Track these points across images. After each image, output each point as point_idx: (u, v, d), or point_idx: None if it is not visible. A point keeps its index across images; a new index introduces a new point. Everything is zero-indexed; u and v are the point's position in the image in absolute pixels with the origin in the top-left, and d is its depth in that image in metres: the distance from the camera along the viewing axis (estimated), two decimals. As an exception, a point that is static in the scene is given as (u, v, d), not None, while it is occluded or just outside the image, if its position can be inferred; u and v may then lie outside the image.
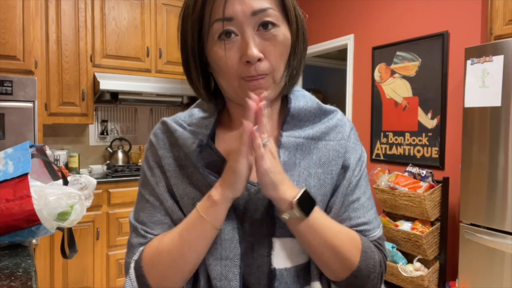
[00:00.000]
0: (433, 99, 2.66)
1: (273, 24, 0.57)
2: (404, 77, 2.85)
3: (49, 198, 0.96)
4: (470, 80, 2.09)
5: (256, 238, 0.60)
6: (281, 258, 0.59)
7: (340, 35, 3.42)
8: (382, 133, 3.04)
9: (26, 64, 2.45)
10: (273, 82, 0.59)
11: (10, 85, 2.36)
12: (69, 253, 1.12)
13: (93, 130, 3.35)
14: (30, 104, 2.44)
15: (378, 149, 3.08)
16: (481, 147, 2.05)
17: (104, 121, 3.39)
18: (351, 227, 0.62)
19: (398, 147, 2.91)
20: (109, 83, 2.94)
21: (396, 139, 2.93)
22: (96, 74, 2.97)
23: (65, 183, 1.08)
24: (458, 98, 2.49)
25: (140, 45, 3.20)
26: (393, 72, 2.93)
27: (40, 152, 1.15)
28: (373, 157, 3.12)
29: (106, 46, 3.04)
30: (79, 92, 2.96)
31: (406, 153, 2.86)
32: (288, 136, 0.63)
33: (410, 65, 2.81)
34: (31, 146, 1.14)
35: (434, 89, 2.65)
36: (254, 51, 0.54)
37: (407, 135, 2.84)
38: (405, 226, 2.57)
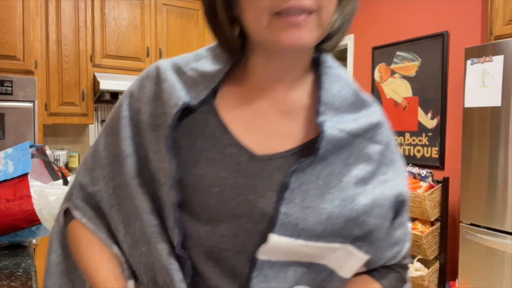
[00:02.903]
0: (433, 99, 2.66)
1: None
2: (404, 77, 2.85)
3: (49, 198, 0.96)
4: (470, 80, 2.09)
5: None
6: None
7: (340, 35, 3.42)
8: (382, 133, 3.04)
9: (26, 64, 2.45)
10: (319, 25, 0.43)
11: (10, 85, 2.36)
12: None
13: (93, 130, 3.35)
14: (30, 104, 2.44)
15: (378, 149, 3.08)
16: (481, 147, 2.05)
17: (104, 121, 3.39)
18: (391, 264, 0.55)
19: (399, 147, 2.91)
20: (109, 83, 2.93)
21: (396, 139, 2.93)
22: (96, 74, 2.97)
23: (65, 183, 1.08)
24: (458, 98, 2.49)
25: (140, 45, 3.20)
26: (393, 72, 2.93)
27: (40, 152, 1.15)
28: (373, 157, 3.11)
29: (106, 46, 3.04)
30: (79, 92, 2.96)
31: (406, 153, 2.86)
32: (333, 127, 0.46)
33: (410, 65, 2.81)
34: (31, 146, 1.14)
35: (434, 89, 2.65)
36: None
37: (407, 135, 2.84)
38: (405, 226, 2.56)
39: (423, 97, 2.73)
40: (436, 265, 2.47)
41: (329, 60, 0.52)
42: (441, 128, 2.61)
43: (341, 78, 0.52)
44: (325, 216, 0.44)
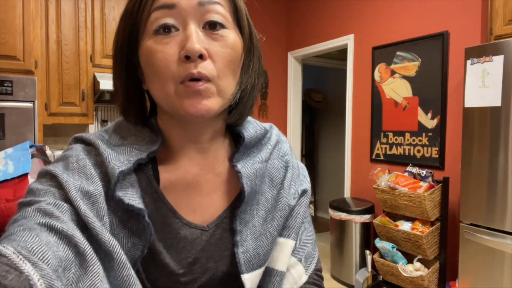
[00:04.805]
0: (433, 99, 2.66)
1: (222, 26, 0.48)
2: (404, 77, 2.85)
3: (49, 198, 0.96)
4: (470, 80, 2.09)
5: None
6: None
7: (340, 35, 3.42)
8: (382, 133, 3.04)
9: (26, 64, 2.45)
10: (218, 94, 0.48)
11: (10, 85, 2.36)
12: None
13: (93, 130, 3.35)
14: (30, 104, 2.44)
15: (378, 149, 3.08)
16: (481, 147, 2.05)
17: (104, 121, 3.39)
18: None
19: (398, 147, 2.91)
20: (109, 83, 2.93)
21: (396, 139, 2.93)
22: (96, 74, 2.97)
23: (65, 183, 1.08)
24: (458, 98, 2.49)
25: (140, 45, 3.19)
26: (393, 72, 2.93)
27: (40, 152, 1.15)
28: (373, 157, 3.11)
29: (106, 46, 3.03)
30: (79, 92, 2.96)
31: (406, 153, 2.86)
32: (244, 166, 0.54)
33: (410, 65, 2.81)
34: (31, 146, 1.14)
35: (434, 89, 2.65)
36: (196, 45, 0.44)
37: (407, 135, 2.84)
38: (405, 226, 2.57)
39: (423, 97, 2.73)
40: (436, 265, 2.47)
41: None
42: (441, 128, 2.61)
43: (249, 121, 0.60)
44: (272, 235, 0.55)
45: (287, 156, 0.62)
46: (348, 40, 3.32)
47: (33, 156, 1.10)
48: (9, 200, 0.94)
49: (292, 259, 0.57)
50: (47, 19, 2.79)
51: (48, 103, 2.84)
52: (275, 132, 0.63)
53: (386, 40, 2.99)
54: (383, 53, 3.01)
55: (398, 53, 2.89)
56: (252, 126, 0.59)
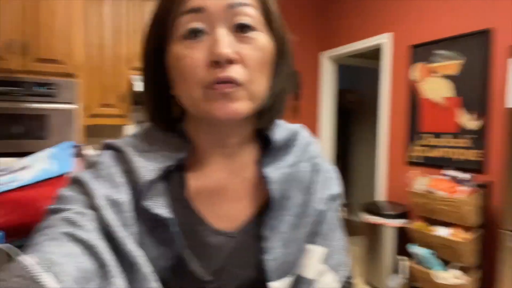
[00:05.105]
0: (475, 99, 2.54)
1: (253, 29, 0.46)
2: (444, 76, 2.74)
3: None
4: (515, 79, 1.97)
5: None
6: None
7: (376, 34, 3.34)
8: (419, 135, 2.94)
9: (68, 68, 2.57)
10: (248, 98, 0.46)
11: (54, 87, 2.49)
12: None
13: (131, 131, 3.46)
14: (72, 106, 2.56)
15: (414, 152, 2.97)
16: (528, 150, 1.93)
17: (140, 122, 3.49)
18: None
19: (436, 149, 2.80)
20: (145, 85, 3.02)
21: (434, 141, 2.82)
22: (134, 77, 3.07)
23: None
24: (502, 98, 2.36)
25: (175, 48, 3.26)
26: (432, 71, 2.83)
27: (81, 152, 1.20)
28: (410, 159, 3.01)
29: (143, 49, 3.12)
30: (117, 95, 3.07)
31: (445, 156, 2.74)
32: (272, 170, 0.53)
33: (450, 63, 2.70)
34: (73, 146, 1.20)
35: (477, 88, 2.53)
36: (225, 49, 0.43)
37: (447, 136, 2.73)
38: (442, 231, 2.47)
39: (464, 97, 2.61)
40: (476, 273, 2.35)
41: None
42: (484, 129, 2.48)
43: (279, 124, 0.58)
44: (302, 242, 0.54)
45: (316, 159, 0.59)
46: (385, 39, 3.24)
47: (74, 155, 1.15)
48: (52, 198, 0.99)
49: (322, 267, 0.55)
50: (89, 25, 2.92)
51: (88, 105, 2.96)
52: (304, 134, 0.61)
53: (425, 38, 2.88)
54: (421, 52, 2.91)
55: (438, 51, 2.78)
56: (280, 129, 0.57)
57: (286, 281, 0.52)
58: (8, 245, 0.78)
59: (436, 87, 2.80)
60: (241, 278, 0.51)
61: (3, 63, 2.36)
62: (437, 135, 2.80)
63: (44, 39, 2.47)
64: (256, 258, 0.52)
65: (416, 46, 2.96)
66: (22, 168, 1.11)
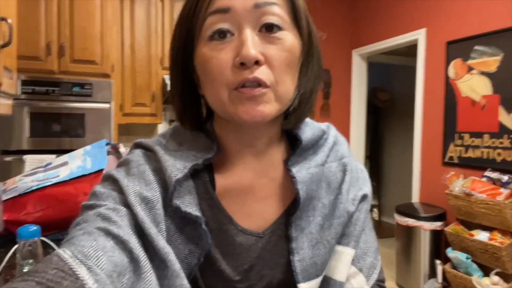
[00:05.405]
0: (517, 97, 2.40)
1: (279, 28, 0.46)
2: (483, 73, 2.61)
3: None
4: None
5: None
6: None
7: (410, 30, 3.23)
8: (456, 135, 2.81)
9: (104, 68, 2.66)
10: (275, 99, 0.46)
11: (90, 87, 2.59)
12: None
13: (162, 129, 3.54)
14: (107, 105, 2.65)
15: (451, 152, 2.85)
16: None
17: (172, 121, 3.56)
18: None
19: (475, 150, 2.67)
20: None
21: (472, 141, 2.69)
22: (165, 76, 3.13)
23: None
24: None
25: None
26: (470, 68, 2.70)
27: (115, 150, 1.24)
28: (446, 160, 2.89)
29: (174, 50, 3.18)
30: (149, 94, 3.14)
31: (485, 157, 2.61)
32: (300, 170, 0.52)
33: (490, 60, 2.57)
34: (107, 144, 1.23)
35: (519, 86, 2.39)
36: (251, 50, 0.43)
37: (486, 136, 2.60)
38: (481, 236, 2.36)
39: (505, 95, 2.47)
40: (519, 281, 2.23)
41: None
42: (527, 129, 2.35)
43: (307, 123, 0.57)
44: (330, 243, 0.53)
45: (345, 158, 0.58)
46: (419, 35, 3.13)
47: (109, 153, 1.19)
48: (87, 194, 1.02)
49: (352, 269, 0.54)
50: (123, 26, 3.01)
51: (122, 104, 3.05)
52: (333, 133, 0.59)
53: (462, 33, 2.76)
54: (458, 48, 2.79)
55: (476, 47, 2.65)
56: (309, 128, 0.56)
57: (315, 283, 0.51)
58: (44, 238, 0.81)
59: (473, 85, 2.68)
60: (270, 278, 0.51)
61: (43, 64, 2.47)
62: (475, 134, 2.67)
63: (79, 40, 2.57)
64: (284, 259, 0.51)
65: (451, 43, 2.84)
66: (60, 165, 1.16)
